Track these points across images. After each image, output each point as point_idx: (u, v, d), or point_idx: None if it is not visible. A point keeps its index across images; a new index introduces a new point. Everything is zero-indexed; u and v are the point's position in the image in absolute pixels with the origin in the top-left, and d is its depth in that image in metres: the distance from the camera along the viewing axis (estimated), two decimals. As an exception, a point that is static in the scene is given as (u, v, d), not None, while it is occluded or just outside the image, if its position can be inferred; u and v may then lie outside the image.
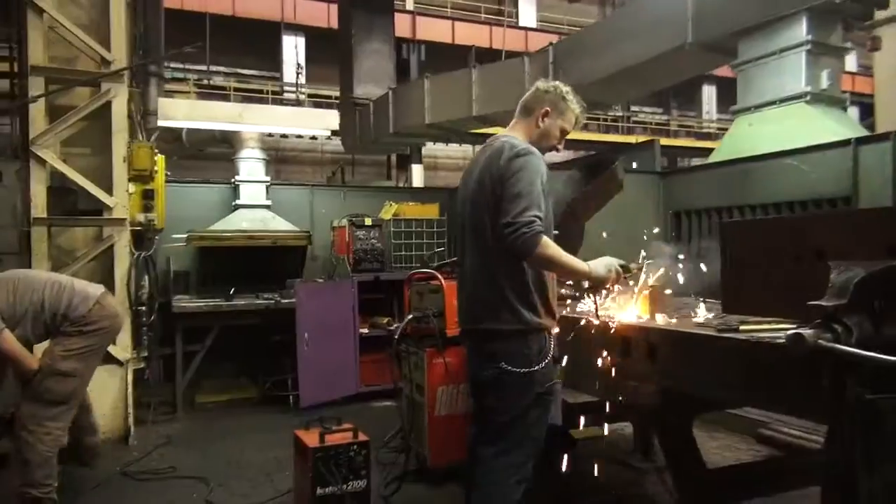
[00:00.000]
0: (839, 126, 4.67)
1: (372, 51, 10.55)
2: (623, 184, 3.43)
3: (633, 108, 24.64)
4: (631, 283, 2.88)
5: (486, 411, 2.73)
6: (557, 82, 2.94)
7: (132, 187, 5.84)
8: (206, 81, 18.64)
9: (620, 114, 24.24)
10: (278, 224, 6.99)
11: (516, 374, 2.59)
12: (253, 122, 6.28)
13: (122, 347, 5.36)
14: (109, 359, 5.32)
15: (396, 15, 20.82)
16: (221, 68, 19.33)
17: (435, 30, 20.73)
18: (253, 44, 18.90)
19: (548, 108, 2.80)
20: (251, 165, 7.03)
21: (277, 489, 4.10)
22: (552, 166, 3.03)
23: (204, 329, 6.21)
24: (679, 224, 5.61)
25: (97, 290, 3.87)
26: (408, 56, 20.09)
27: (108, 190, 5.37)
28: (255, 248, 6.78)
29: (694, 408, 2.81)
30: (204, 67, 18.73)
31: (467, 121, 9.49)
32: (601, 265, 2.65)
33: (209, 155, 7.97)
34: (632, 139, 20.29)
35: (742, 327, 2.30)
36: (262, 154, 7.09)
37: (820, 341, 1.59)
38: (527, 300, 2.63)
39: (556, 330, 2.75)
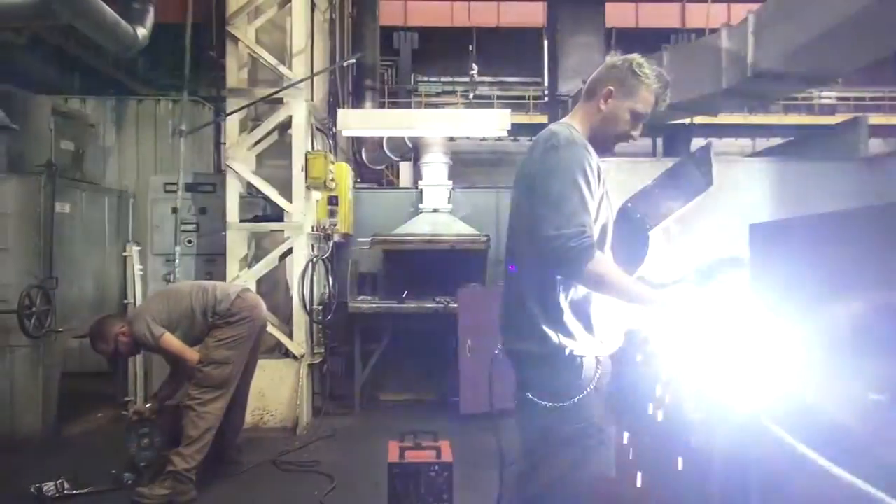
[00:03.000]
0: None
1: (579, 45, 10.02)
2: (711, 177, 2.67)
3: None
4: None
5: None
6: (634, 55, 2.33)
7: (318, 194, 6.30)
8: (470, 94, 19.65)
9: None
10: (458, 228, 6.96)
11: (541, 407, 2.18)
12: (423, 126, 6.33)
13: (297, 343, 5.80)
14: (286, 353, 5.81)
15: (664, 6, 19.66)
16: (487, 78, 20.10)
17: (707, 15, 19.13)
18: (515, 51, 19.44)
19: (611, 88, 2.25)
20: (434, 170, 7.11)
21: (388, 497, 4.03)
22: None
23: (380, 329, 6.44)
24: None
25: (237, 288, 4.45)
26: (674, 46, 18.87)
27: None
28: (434, 251, 6.83)
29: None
30: (468, 79, 19.80)
31: (652, 112, 8.44)
32: (678, 298, 2.09)
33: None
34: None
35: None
36: (444, 158, 7.13)
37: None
38: (557, 319, 2.16)
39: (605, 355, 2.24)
